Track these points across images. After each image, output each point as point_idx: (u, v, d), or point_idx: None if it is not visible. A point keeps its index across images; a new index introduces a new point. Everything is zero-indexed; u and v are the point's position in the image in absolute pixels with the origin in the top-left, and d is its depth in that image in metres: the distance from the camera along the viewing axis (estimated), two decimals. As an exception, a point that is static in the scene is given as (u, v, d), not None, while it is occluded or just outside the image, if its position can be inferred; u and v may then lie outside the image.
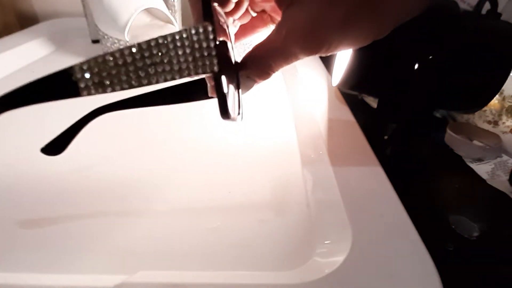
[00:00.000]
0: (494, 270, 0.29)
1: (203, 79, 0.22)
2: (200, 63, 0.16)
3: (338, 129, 0.34)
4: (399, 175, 0.28)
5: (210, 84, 0.21)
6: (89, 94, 0.15)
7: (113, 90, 0.15)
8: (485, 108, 0.42)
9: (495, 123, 0.43)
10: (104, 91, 0.15)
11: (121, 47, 0.15)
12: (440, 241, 0.30)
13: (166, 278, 0.20)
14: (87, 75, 0.15)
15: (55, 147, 0.21)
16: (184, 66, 0.16)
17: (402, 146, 0.41)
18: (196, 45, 0.15)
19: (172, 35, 0.15)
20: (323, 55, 0.20)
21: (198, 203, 0.26)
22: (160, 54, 0.15)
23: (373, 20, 0.19)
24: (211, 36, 0.15)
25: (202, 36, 0.15)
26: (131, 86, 0.15)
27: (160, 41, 0.15)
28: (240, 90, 0.21)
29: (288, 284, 0.19)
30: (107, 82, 0.15)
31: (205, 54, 0.16)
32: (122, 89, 0.15)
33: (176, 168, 0.30)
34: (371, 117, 0.47)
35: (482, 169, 0.40)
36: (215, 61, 0.16)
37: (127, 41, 0.48)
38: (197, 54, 0.16)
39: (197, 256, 0.22)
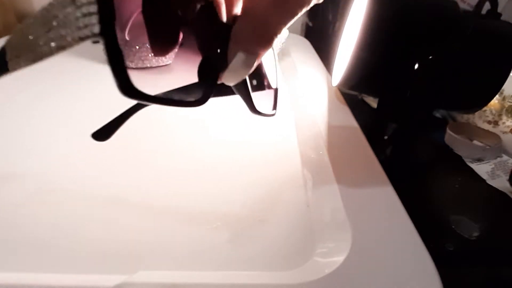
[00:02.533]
0: (494, 270, 0.29)
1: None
2: (80, 24, 0.13)
3: (338, 129, 0.34)
4: (399, 175, 0.28)
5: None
6: (15, 69, 0.15)
7: (29, 64, 0.15)
8: (485, 108, 0.42)
9: (495, 123, 0.43)
10: (27, 64, 0.15)
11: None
12: (440, 241, 0.30)
13: (166, 278, 0.19)
14: (9, 50, 0.15)
15: (104, 133, 0.23)
16: (66, 31, 0.13)
17: (402, 146, 0.41)
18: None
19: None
20: None
21: (198, 203, 0.26)
22: (51, 21, 0.14)
23: None
24: None
25: None
26: (36, 59, 0.15)
27: (48, 7, 0.14)
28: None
29: (288, 284, 0.19)
30: (21, 55, 0.15)
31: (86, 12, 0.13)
32: (34, 62, 0.15)
33: (176, 167, 0.30)
34: (371, 117, 0.47)
35: (482, 169, 0.39)
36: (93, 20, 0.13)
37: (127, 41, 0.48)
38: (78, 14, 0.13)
39: (197, 256, 0.22)
